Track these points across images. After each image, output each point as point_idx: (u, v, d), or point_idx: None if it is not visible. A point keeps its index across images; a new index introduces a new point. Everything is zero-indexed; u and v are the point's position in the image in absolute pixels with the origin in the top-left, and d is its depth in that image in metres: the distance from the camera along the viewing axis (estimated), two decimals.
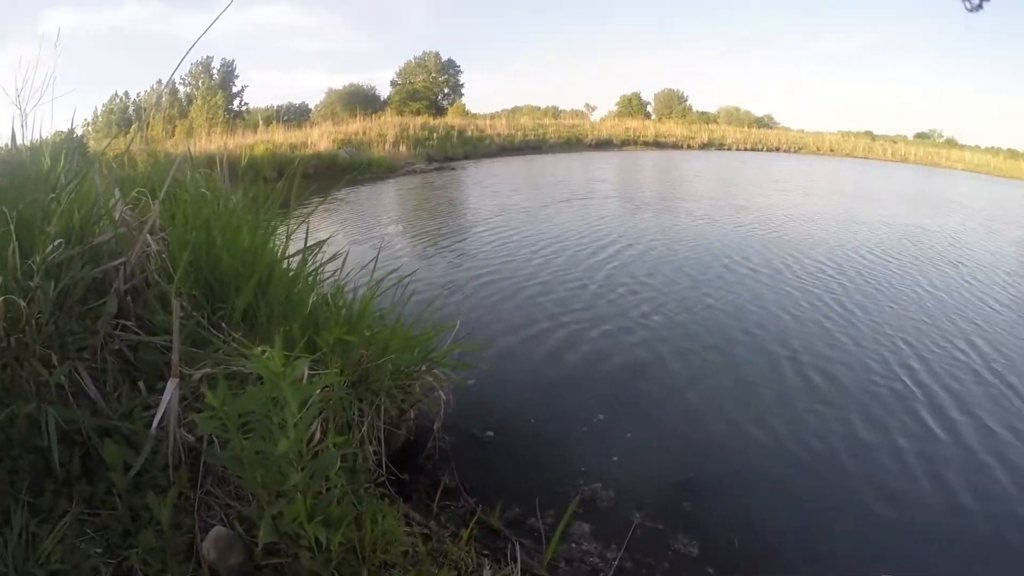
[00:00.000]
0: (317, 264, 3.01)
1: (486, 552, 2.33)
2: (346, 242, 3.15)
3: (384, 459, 2.51)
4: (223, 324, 2.39)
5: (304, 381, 1.90)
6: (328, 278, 3.08)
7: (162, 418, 1.82)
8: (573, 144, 28.88)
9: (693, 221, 10.72)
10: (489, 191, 13.88)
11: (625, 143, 31.16)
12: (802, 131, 41.39)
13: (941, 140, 45.20)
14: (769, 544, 2.62)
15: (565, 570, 2.34)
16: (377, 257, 3.25)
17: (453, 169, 17.38)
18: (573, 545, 2.50)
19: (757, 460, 3.25)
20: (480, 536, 2.47)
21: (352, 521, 1.87)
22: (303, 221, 2.97)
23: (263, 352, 1.59)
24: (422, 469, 2.92)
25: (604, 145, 29.97)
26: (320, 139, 17.78)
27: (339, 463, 1.89)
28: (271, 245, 2.79)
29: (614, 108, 49.05)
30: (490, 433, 3.37)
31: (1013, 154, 37.44)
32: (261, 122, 19.03)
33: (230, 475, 1.93)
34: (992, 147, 39.79)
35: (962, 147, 39.94)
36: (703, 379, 4.18)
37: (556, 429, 3.50)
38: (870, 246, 9.13)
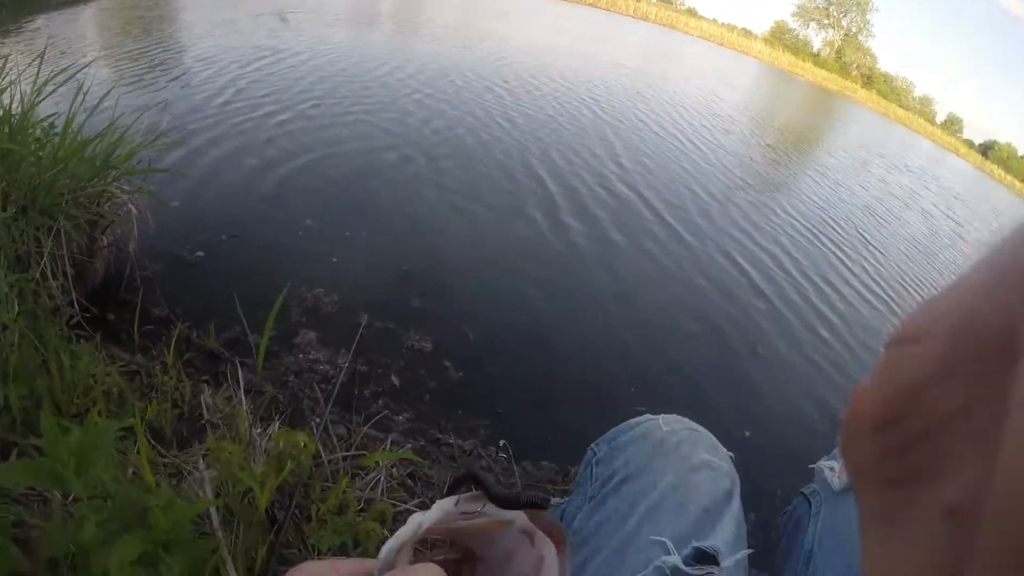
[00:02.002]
0: None
1: (206, 378, 2.21)
2: (20, 61, 2.29)
3: (75, 296, 2.12)
4: None
5: None
6: None
7: None
8: None
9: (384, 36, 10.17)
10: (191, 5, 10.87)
11: None
12: None
13: (683, 8, 50.24)
14: (498, 336, 2.93)
15: (295, 383, 2.35)
16: (43, 57, 2.42)
17: None
18: (301, 355, 2.51)
19: (456, 256, 3.60)
20: (199, 362, 2.31)
21: (38, 369, 1.62)
22: None
23: None
24: (126, 303, 2.49)
25: None
26: None
27: (16, 306, 1.58)
28: None
29: None
30: (199, 254, 3.01)
31: (746, 33, 44.22)
32: None
33: None
34: (729, 24, 45.92)
35: (701, 18, 44.95)
36: (381, 181, 4.29)
37: (268, 240, 3.27)
38: (552, 72, 9.79)
